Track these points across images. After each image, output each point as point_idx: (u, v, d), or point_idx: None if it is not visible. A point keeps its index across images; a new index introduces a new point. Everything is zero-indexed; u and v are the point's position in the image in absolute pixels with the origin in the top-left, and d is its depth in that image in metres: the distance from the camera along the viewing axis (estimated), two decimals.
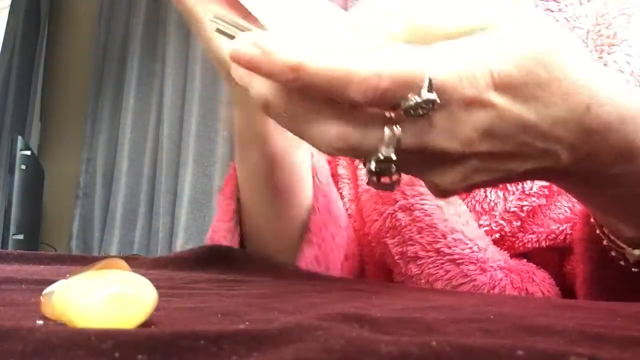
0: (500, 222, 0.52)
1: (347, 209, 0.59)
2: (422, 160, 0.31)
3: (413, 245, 0.53)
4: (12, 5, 3.27)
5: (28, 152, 2.41)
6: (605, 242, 0.41)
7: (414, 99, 0.27)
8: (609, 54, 0.53)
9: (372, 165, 0.30)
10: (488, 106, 0.29)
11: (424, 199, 0.52)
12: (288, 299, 0.32)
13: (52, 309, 0.22)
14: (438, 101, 0.28)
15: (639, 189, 0.34)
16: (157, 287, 0.23)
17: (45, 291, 0.23)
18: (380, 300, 0.33)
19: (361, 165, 0.60)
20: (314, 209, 0.55)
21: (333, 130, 0.29)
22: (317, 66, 0.27)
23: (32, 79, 3.14)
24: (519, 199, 0.51)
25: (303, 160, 0.54)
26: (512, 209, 0.51)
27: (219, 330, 0.18)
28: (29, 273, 0.40)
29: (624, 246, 0.39)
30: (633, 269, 0.39)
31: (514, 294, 0.50)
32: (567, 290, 0.52)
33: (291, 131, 0.32)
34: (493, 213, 0.52)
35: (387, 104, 0.28)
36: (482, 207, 0.53)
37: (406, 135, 0.29)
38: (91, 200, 2.92)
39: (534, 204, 0.51)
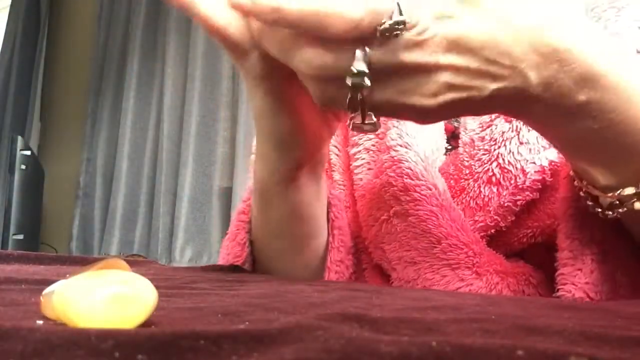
0: (495, 217, 0.52)
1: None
2: (394, 80, 0.34)
3: (409, 250, 0.53)
4: (12, 5, 3.27)
5: (28, 152, 2.41)
6: (582, 193, 0.42)
7: (387, 22, 0.32)
8: None
9: (349, 80, 0.34)
10: (452, 17, 0.33)
11: (418, 205, 0.52)
12: (288, 299, 0.32)
13: (52, 309, 0.22)
14: (408, 20, 0.32)
15: (607, 117, 0.35)
16: (157, 287, 0.23)
17: (45, 291, 0.23)
18: (380, 300, 0.33)
19: (356, 165, 0.60)
20: (331, 246, 0.56)
21: (311, 51, 0.34)
22: (295, 6, 0.33)
23: (32, 79, 3.14)
24: (512, 194, 0.51)
25: (323, 208, 0.55)
26: (506, 204, 0.51)
27: (219, 330, 0.18)
28: (29, 273, 0.40)
29: (597, 193, 0.40)
30: (607, 215, 0.40)
31: (512, 295, 0.50)
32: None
33: (280, 58, 0.37)
34: (487, 209, 0.52)
35: (363, 34, 0.33)
36: (476, 203, 0.53)
37: (376, 54, 0.33)
38: (91, 200, 2.93)
39: (527, 198, 0.51)
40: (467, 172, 0.54)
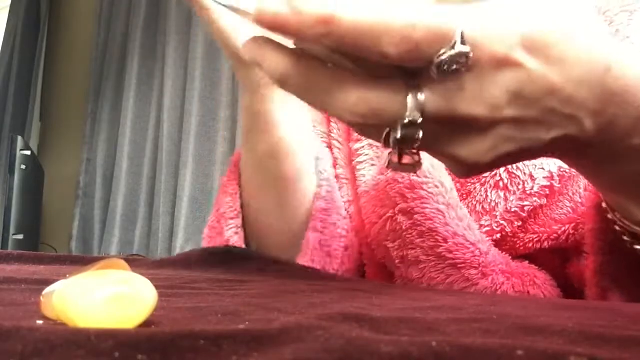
0: (502, 222, 0.52)
1: (346, 210, 0.59)
2: (448, 130, 0.30)
3: (414, 249, 0.52)
4: (12, 5, 3.27)
5: (28, 152, 2.41)
6: (617, 227, 0.40)
7: (448, 53, 0.27)
8: None
9: (398, 133, 0.29)
10: (517, 66, 0.28)
11: (424, 203, 0.52)
12: (288, 299, 0.32)
13: (52, 309, 0.22)
14: (471, 54, 0.27)
15: None
16: (157, 287, 0.23)
17: (45, 291, 0.23)
18: (380, 300, 0.33)
19: (359, 161, 0.60)
20: (317, 196, 0.55)
21: (355, 96, 0.29)
22: (350, 18, 0.27)
23: (32, 79, 3.14)
24: (520, 199, 0.51)
25: (309, 147, 0.54)
26: (513, 209, 0.51)
27: (219, 330, 0.18)
28: (29, 273, 0.40)
29: (637, 228, 0.38)
30: None
31: (514, 295, 0.50)
32: (568, 292, 0.52)
33: (310, 103, 0.31)
34: (494, 213, 0.52)
35: (420, 59, 0.28)
36: (483, 207, 0.53)
37: (431, 100, 0.29)
38: (91, 200, 2.92)
39: (535, 204, 0.51)
40: None
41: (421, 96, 0.28)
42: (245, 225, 0.57)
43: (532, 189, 0.51)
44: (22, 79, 3.13)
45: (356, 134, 0.60)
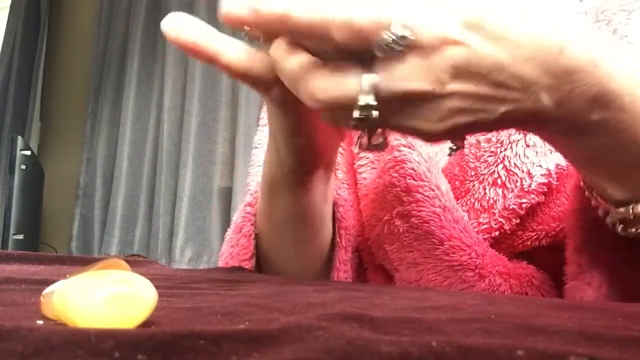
0: (500, 219, 0.52)
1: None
2: (401, 106, 0.33)
3: (411, 251, 0.53)
4: (12, 5, 3.27)
5: (28, 152, 2.41)
6: (593, 203, 0.41)
7: (387, 36, 0.31)
8: None
9: (356, 113, 0.32)
10: (458, 44, 0.31)
11: (421, 206, 0.52)
12: (288, 299, 0.32)
13: (52, 309, 0.22)
14: (408, 35, 0.31)
15: (620, 136, 0.35)
16: (157, 287, 0.23)
17: (45, 291, 0.23)
18: (380, 300, 0.33)
19: (360, 164, 0.60)
20: (337, 245, 0.56)
21: (316, 83, 0.33)
22: (301, 14, 0.32)
23: (32, 79, 3.14)
24: (518, 197, 0.51)
25: (328, 213, 0.55)
26: (511, 207, 0.51)
27: (219, 330, 0.18)
28: (29, 273, 0.40)
29: (609, 206, 0.40)
30: (618, 230, 0.40)
31: (514, 295, 0.50)
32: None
33: (290, 87, 0.35)
34: (492, 211, 0.52)
35: (365, 43, 0.31)
36: (481, 204, 0.53)
37: (382, 81, 0.32)
38: (91, 200, 2.92)
39: (533, 201, 0.51)
40: (473, 173, 0.53)
41: (374, 77, 0.32)
42: (260, 267, 0.57)
43: (530, 186, 0.51)
44: (22, 79, 3.13)
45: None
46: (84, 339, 0.16)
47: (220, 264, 0.59)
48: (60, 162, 3.09)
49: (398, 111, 0.33)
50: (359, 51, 0.32)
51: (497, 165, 0.52)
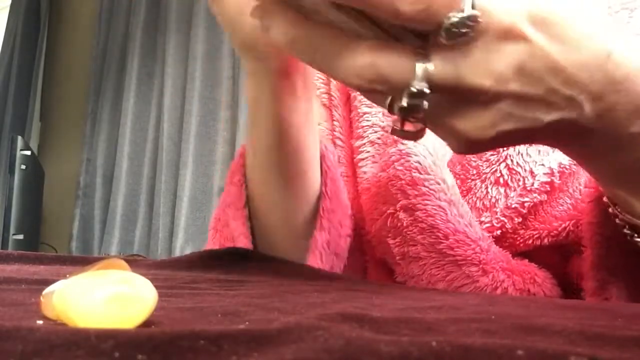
0: (502, 218, 0.52)
1: (350, 214, 0.59)
2: (452, 101, 0.30)
3: (415, 245, 0.52)
4: (12, 5, 3.27)
5: (28, 152, 2.41)
6: (618, 220, 0.40)
7: (458, 15, 0.27)
8: None
9: (405, 101, 0.29)
10: (522, 38, 0.29)
11: (426, 200, 0.52)
12: (288, 299, 0.32)
13: (52, 309, 0.22)
14: (480, 19, 0.28)
15: None
16: (157, 287, 0.23)
17: (45, 291, 0.23)
18: (380, 300, 0.33)
19: (360, 158, 0.59)
20: (323, 194, 0.55)
21: (364, 60, 0.29)
22: None
23: (32, 79, 3.14)
24: (520, 195, 0.51)
25: (313, 142, 0.54)
26: (513, 205, 0.51)
27: (219, 330, 0.18)
28: (29, 273, 0.40)
29: (638, 221, 0.38)
30: None
31: (515, 295, 0.50)
32: (568, 290, 0.52)
33: (318, 67, 0.31)
34: (494, 209, 0.52)
35: (431, 20, 0.28)
36: (483, 203, 0.53)
37: (439, 69, 0.29)
38: (91, 200, 2.92)
39: (535, 200, 0.51)
40: (475, 172, 0.53)
41: (430, 65, 0.29)
42: (251, 218, 0.56)
43: (532, 185, 0.51)
44: (22, 79, 3.13)
45: (357, 132, 0.60)
46: (84, 339, 0.16)
47: (211, 224, 0.59)
48: (60, 162, 3.09)
49: (447, 106, 0.30)
50: (417, 31, 0.29)
51: (499, 164, 0.52)
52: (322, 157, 0.56)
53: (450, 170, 0.54)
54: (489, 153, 0.53)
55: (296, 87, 0.49)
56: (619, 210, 0.40)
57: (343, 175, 0.61)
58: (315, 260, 0.54)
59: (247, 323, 0.23)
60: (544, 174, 0.51)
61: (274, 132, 0.51)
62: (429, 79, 0.29)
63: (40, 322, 0.22)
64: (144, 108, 2.82)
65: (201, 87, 2.58)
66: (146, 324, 0.21)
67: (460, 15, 0.27)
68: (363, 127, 0.60)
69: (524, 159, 0.51)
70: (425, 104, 0.29)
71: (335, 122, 0.63)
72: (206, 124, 2.56)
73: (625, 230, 0.40)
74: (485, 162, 0.53)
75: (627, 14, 0.53)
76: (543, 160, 0.51)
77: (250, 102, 0.52)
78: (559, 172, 0.51)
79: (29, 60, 3.15)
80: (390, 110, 0.31)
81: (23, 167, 2.36)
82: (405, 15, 0.28)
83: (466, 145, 0.32)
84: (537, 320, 0.25)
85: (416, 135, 0.32)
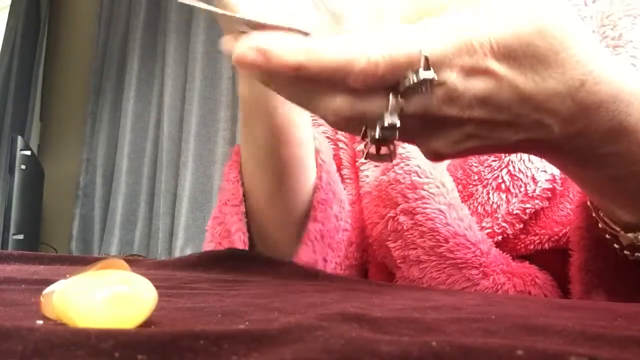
0: (503, 224, 0.52)
1: (349, 210, 0.59)
2: (422, 126, 0.31)
3: (415, 249, 0.52)
4: (12, 5, 3.27)
5: (28, 152, 2.41)
6: (600, 225, 0.41)
7: (412, 79, 0.28)
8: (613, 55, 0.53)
9: (377, 133, 0.30)
10: (487, 74, 0.29)
11: (426, 203, 0.52)
12: (288, 299, 0.32)
13: (52, 309, 0.22)
14: (435, 79, 0.28)
15: (631, 169, 0.34)
16: (157, 287, 0.23)
17: (45, 291, 0.23)
18: (380, 300, 0.33)
19: (362, 162, 0.60)
20: (317, 186, 0.55)
21: (338, 100, 0.30)
22: (315, 64, 0.28)
23: (32, 79, 3.14)
24: (522, 202, 0.51)
25: (308, 137, 0.54)
26: (514, 212, 0.51)
27: (219, 330, 0.18)
28: (29, 273, 0.40)
29: (618, 229, 0.39)
30: (626, 253, 0.39)
31: (515, 295, 0.50)
32: (569, 292, 0.52)
33: (297, 104, 0.33)
34: (496, 215, 0.52)
35: (388, 85, 0.29)
36: (484, 209, 0.52)
37: (409, 104, 0.30)
38: (91, 200, 2.92)
39: (536, 206, 0.51)
40: (476, 177, 0.53)
41: (400, 100, 0.30)
42: (247, 215, 0.56)
43: (534, 191, 0.51)
44: (22, 79, 3.13)
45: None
46: (84, 339, 0.16)
47: (209, 223, 0.59)
48: (60, 162, 3.09)
49: (417, 128, 0.32)
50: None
51: (501, 170, 0.52)
52: (317, 152, 0.56)
53: (452, 175, 0.54)
54: (490, 159, 0.53)
55: None
56: (601, 215, 0.41)
57: (346, 177, 0.61)
58: (308, 250, 0.54)
59: (247, 323, 0.23)
60: (546, 180, 0.50)
61: (268, 122, 0.51)
62: (400, 112, 0.30)
63: (40, 322, 0.22)
64: (144, 108, 2.82)
65: (201, 87, 2.58)
66: (146, 324, 0.21)
67: (414, 79, 0.28)
68: None
69: (525, 165, 0.51)
70: (397, 133, 0.30)
71: None
72: (206, 124, 2.56)
73: (607, 237, 0.41)
74: (487, 168, 0.53)
75: (630, 21, 0.53)
76: (545, 167, 0.51)
77: (242, 98, 0.52)
78: (560, 178, 0.51)
79: (29, 60, 3.15)
80: (364, 138, 0.32)
81: (23, 167, 2.36)
82: (361, 90, 0.29)
83: (435, 156, 0.34)
84: (537, 321, 0.25)
85: (390, 158, 0.33)
